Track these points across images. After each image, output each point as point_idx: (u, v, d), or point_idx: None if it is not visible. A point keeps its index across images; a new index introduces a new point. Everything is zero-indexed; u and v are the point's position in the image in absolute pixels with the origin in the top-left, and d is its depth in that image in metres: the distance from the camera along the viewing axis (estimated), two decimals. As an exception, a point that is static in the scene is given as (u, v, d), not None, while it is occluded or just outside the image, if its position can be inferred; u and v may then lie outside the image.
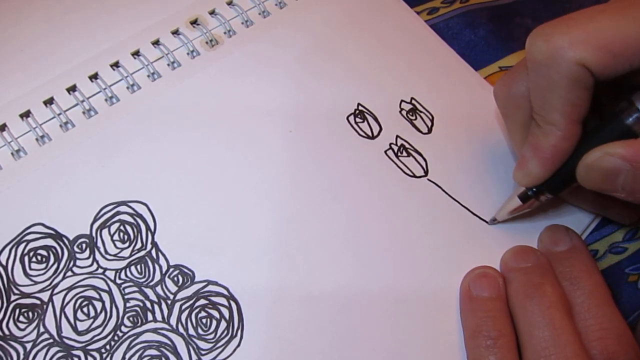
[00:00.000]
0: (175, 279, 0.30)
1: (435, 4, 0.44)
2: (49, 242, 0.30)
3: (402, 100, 0.38)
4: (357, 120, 0.36)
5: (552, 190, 0.31)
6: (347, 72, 0.38)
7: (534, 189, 0.32)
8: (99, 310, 0.29)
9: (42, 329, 0.29)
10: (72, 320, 0.29)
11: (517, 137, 0.33)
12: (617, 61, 0.26)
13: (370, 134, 0.36)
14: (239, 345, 0.29)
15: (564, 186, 0.31)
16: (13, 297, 0.29)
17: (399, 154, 0.36)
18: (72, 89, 0.34)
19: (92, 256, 0.30)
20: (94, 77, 0.35)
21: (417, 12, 0.43)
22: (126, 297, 0.30)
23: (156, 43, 0.36)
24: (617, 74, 0.27)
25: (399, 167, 0.35)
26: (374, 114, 0.37)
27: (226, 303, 0.30)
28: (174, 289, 0.30)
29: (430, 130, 0.37)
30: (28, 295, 0.29)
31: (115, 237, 0.31)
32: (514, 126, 0.33)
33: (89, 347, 0.29)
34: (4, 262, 0.29)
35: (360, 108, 0.37)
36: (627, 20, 0.26)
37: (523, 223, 0.35)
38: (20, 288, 0.29)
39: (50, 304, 0.29)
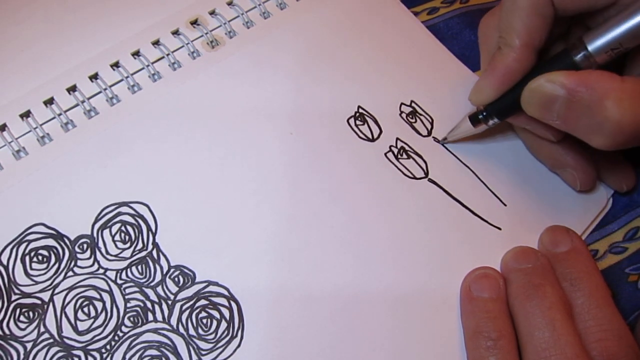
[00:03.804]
0: (176, 279, 0.30)
1: (435, 4, 0.44)
2: (50, 242, 0.30)
3: (402, 103, 0.38)
4: (357, 122, 0.36)
5: (499, 114, 0.33)
6: (347, 74, 0.38)
7: (484, 113, 0.34)
8: (99, 311, 0.29)
9: (42, 329, 0.29)
10: (72, 320, 0.29)
11: (485, 66, 0.35)
12: None
13: (370, 136, 0.36)
14: (239, 345, 0.29)
15: (510, 111, 0.33)
16: (14, 297, 0.29)
17: (399, 156, 0.36)
18: (72, 89, 0.34)
19: (93, 256, 0.30)
20: (94, 77, 0.35)
21: (417, 12, 0.43)
22: (127, 297, 0.30)
23: (156, 43, 0.36)
24: (574, 9, 0.30)
25: (399, 169, 0.35)
26: (374, 117, 0.37)
27: (226, 303, 0.30)
28: (174, 289, 0.30)
29: (429, 133, 0.37)
30: (29, 295, 0.29)
31: (117, 237, 0.31)
32: (484, 55, 0.36)
33: (89, 347, 0.29)
34: (5, 262, 0.29)
35: (361, 110, 0.37)
36: None
37: (524, 224, 0.35)
38: (21, 288, 0.29)
39: (51, 304, 0.29)
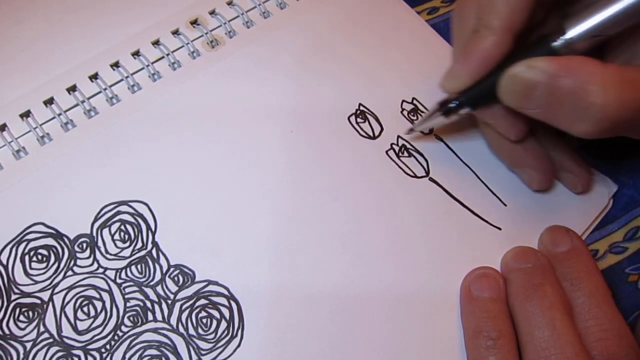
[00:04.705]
0: (176, 278, 0.30)
1: (435, 3, 0.44)
2: (50, 241, 0.30)
3: (403, 101, 0.38)
4: (359, 120, 0.36)
5: (473, 103, 0.32)
6: (348, 72, 0.38)
7: (456, 102, 0.32)
8: (99, 310, 0.29)
9: (42, 329, 0.29)
10: (72, 320, 0.29)
11: (458, 52, 0.34)
12: None
13: (371, 134, 0.36)
14: (239, 345, 0.29)
15: (485, 100, 0.31)
16: (13, 297, 0.29)
17: (400, 154, 0.36)
18: (72, 89, 0.34)
19: (92, 256, 0.30)
20: (94, 77, 0.35)
21: (417, 12, 0.43)
22: (126, 296, 0.30)
23: (156, 43, 0.37)
24: None
25: (400, 167, 0.35)
26: (375, 114, 0.37)
27: (226, 303, 0.30)
28: (174, 288, 0.30)
29: (431, 131, 0.37)
30: (28, 295, 0.29)
31: (116, 236, 0.31)
32: (458, 40, 0.34)
33: (89, 347, 0.28)
34: (4, 262, 0.29)
35: (362, 108, 0.37)
36: None
37: (524, 224, 0.35)
38: (21, 287, 0.29)
39: (51, 304, 0.29)
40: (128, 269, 0.30)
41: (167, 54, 0.36)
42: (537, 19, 0.32)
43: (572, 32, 0.28)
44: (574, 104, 0.27)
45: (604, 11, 0.27)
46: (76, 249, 0.30)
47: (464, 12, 0.33)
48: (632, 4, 0.27)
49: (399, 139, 0.36)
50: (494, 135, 0.35)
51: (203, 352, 0.29)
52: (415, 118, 0.37)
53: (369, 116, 0.37)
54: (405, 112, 0.37)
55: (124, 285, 0.30)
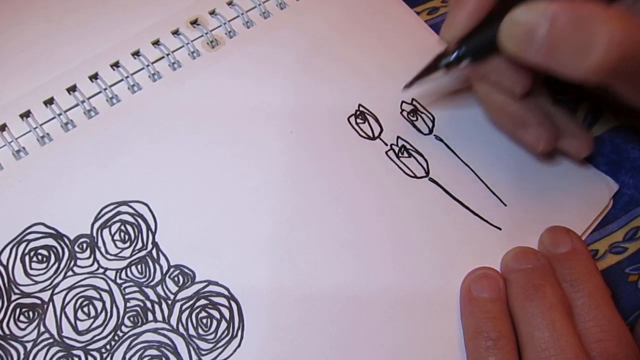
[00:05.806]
0: (176, 279, 0.30)
1: (436, 3, 0.44)
2: (50, 241, 0.30)
3: (402, 102, 0.38)
4: (358, 121, 0.36)
5: (474, 53, 0.31)
6: (348, 73, 0.38)
7: (456, 52, 0.31)
8: (99, 310, 0.29)
9: (42, 329, 0.29)
10: (72, 320, 0.29)
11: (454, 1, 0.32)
12: None
13: (371, 134, 0.36)
14: (239, 345, 0.29)
15: (484, 51, 0.31)
16: (14, 297, 0.29)
17: (400, 154, 0.36)
18: (72, 89, 0.34)
19: (92, 256, 0.30)
20: (94, 77, 0.35)
21: (417, 12, 0.43)
22: (127, 297, 0.30)
23: (156, 43, 0.37)
24: None
25: (400, 167, 0.35)
26: (375, 115, 0.37)
27: (226, 303, 0.30)
28: (174, 289, 0.30)
29: (431, 131, 0.37)
30: (28, 295, 0.29)
31: (116, 237, 0.31)
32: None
33: (89, 347, 0.29)
34: (4, 262, 0.29)
35: (361, 109, 0.37)
36: None
37: (524, 224, 0.35)
38: (21, 287, 0.29)
39: (51, 304, 0.29)
40: (128, 269, 0.30)
41: (167, 54, 0.36)
42: None
43: None
44: (578, 40, 0.26)
45: None
46: (76, 249, 0.30)
47: None
48: None
49: (399, 140, 0.36)
50: (495, 99, 0.34)
51: (203, 352, 0.29)
52: (415, 119, 0.37)
53: (368, 117, 0.37)
54: (404, 113, 0.37)
55: (124, 285, 0.30)
